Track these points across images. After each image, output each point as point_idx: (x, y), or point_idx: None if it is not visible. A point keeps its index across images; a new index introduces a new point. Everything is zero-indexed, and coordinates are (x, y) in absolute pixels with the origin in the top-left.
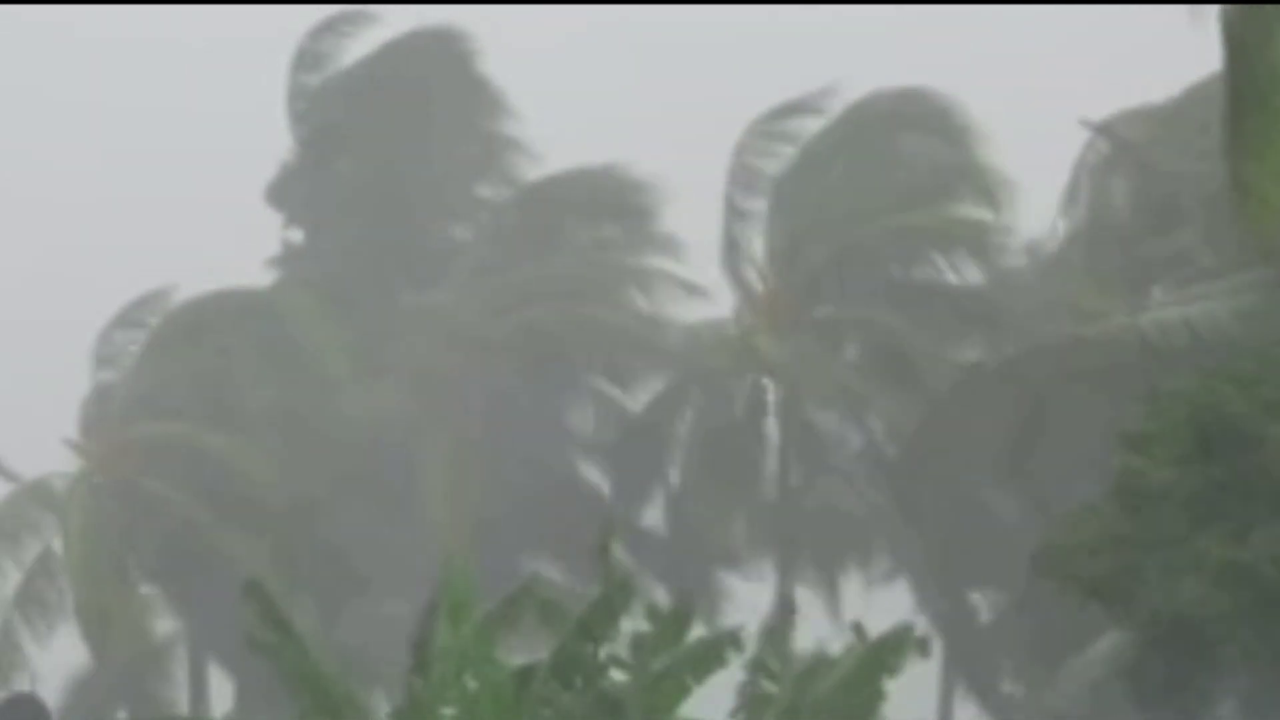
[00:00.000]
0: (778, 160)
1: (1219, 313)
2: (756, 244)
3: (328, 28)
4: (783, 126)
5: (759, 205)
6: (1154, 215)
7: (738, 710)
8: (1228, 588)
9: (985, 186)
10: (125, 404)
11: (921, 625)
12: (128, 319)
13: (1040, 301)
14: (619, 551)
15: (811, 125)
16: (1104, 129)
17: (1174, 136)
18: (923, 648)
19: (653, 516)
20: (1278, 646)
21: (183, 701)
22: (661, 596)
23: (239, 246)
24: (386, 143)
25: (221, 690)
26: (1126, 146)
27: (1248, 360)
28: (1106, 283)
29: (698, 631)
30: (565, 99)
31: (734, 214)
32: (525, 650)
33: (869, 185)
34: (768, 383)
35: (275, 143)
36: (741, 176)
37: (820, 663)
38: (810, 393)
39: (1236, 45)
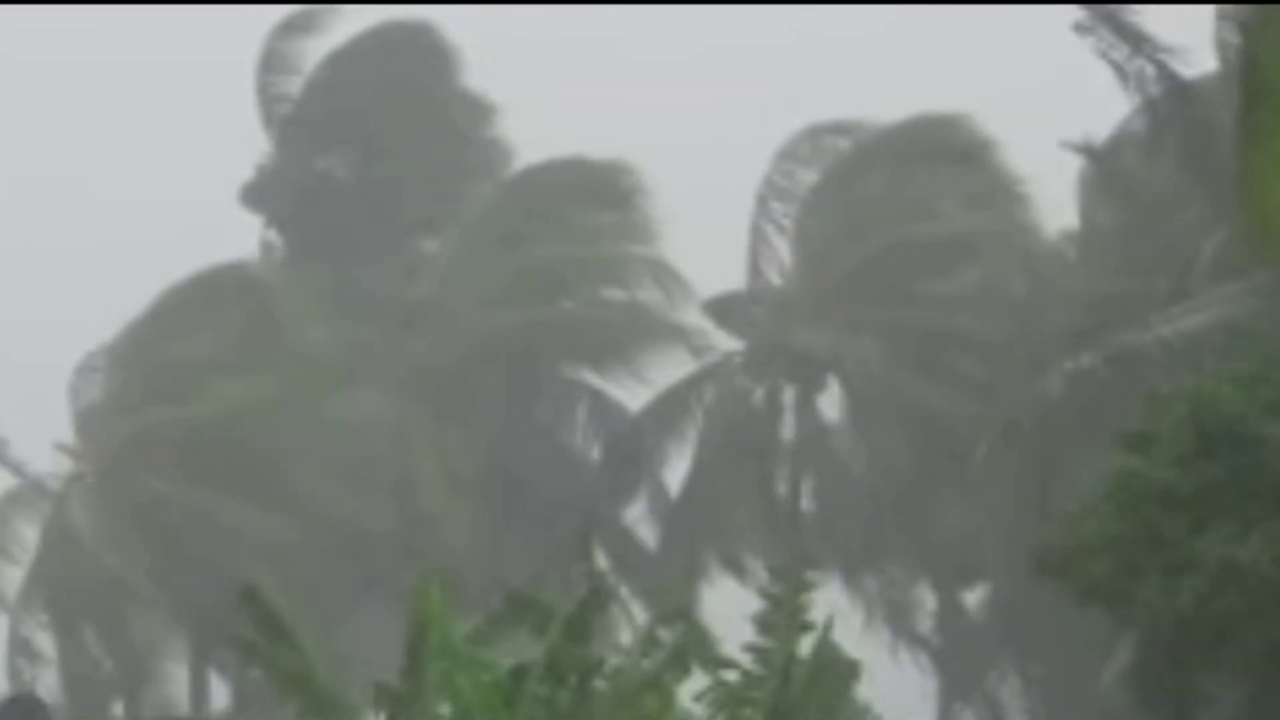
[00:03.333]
0: (816, 169)
1: (1223, 323)
2: (783, 245)
3: (290, 26)
4: (827, 140)
5: (791, 209)
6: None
7: (716, 714)
8: (1228, 588)
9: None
10: (118, 401)
11: (925, 628)
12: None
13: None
14: (602, 552)
15: (855, 141)
16: (1086, 149)
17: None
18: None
19: (649, 516)
20: (1278, 647)
21: (183, 700)
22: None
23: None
24: (366, 138)
25: (222, 690)
26: (1110, 169)
27: (1248, 360)
28: (1103, 286)
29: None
30: (546, 94)
31: (764, 215)
32: (515, 653)
33: (903, 200)
34: (784, 383)
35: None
36: (779, 179)
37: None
38: (827, 395)
39: (1250, 39)
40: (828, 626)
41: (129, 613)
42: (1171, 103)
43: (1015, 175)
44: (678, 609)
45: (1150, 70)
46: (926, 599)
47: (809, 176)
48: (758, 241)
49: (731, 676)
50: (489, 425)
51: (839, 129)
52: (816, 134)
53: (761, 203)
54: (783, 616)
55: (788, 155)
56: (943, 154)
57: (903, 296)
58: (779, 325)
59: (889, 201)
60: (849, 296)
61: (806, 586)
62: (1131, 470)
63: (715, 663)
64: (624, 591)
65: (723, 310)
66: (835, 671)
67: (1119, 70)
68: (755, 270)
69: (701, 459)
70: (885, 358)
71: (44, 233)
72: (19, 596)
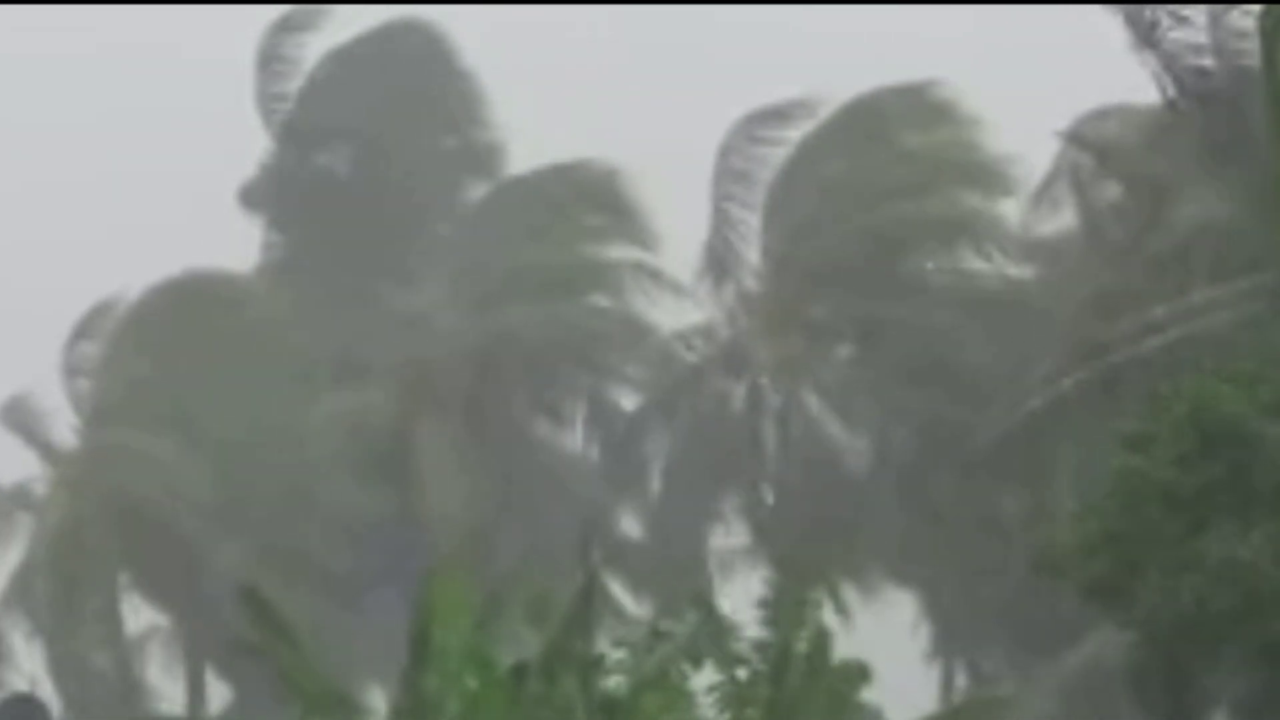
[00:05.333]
0: (767, 160)
1: (1221, 326)
2: (749, 243)
3: (286, 25)
4: (771, 128)
5: (751, 204)
6: (1142, 218)
7: (722, 711)
8: (1228, 587)
9: (989, 179)
10: (101, 405)
11: (921, 628)
12: (88, 327)
13: (1043, 305)
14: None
15: (800, 126)
16: (1078, 137)
17: (1158, 136)
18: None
19: (644, 517)
20: (1278, 646)
21: (179, 703)
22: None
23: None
24: (366, 138)
25: (220, 692)
26: (1105, 153)
27: (1248, 360)
28: (1102, 289)
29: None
30: (546, 93)
31: (722, 215)
32: (513, 647)
33: (868, 181)
34: (766, 383)
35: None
36: (729, 177)
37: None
38: (808, 393)
39: (1268, 41)
40: (819, 616)
41: (124, 615)
42: (1197, 80)
43: (982, 123)
44: (696, 599)
45: (1175, 42)
46: (925, 597)
47: (758, 169)
48: (720, 243)
49: (743, 673)
50: (486, 425)
51: (776, 114)
52: (753, 122)
53: (718, 208)
54: (782, 611)
55: (730, 151)
56: (907, 121)
57: (882, 289)
58: (752, 328)
59: (857, 185)
60: (824, 294)
61: (810, 581)
62: (1132, 469)
63: (729, 658)
64: (617, 589)
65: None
66: (839, 671)
67: (1139, 38)
68: (720, 269)
69: (682, 460)
70: (863, 356)
71: (39, 230)
72: (3, 600)
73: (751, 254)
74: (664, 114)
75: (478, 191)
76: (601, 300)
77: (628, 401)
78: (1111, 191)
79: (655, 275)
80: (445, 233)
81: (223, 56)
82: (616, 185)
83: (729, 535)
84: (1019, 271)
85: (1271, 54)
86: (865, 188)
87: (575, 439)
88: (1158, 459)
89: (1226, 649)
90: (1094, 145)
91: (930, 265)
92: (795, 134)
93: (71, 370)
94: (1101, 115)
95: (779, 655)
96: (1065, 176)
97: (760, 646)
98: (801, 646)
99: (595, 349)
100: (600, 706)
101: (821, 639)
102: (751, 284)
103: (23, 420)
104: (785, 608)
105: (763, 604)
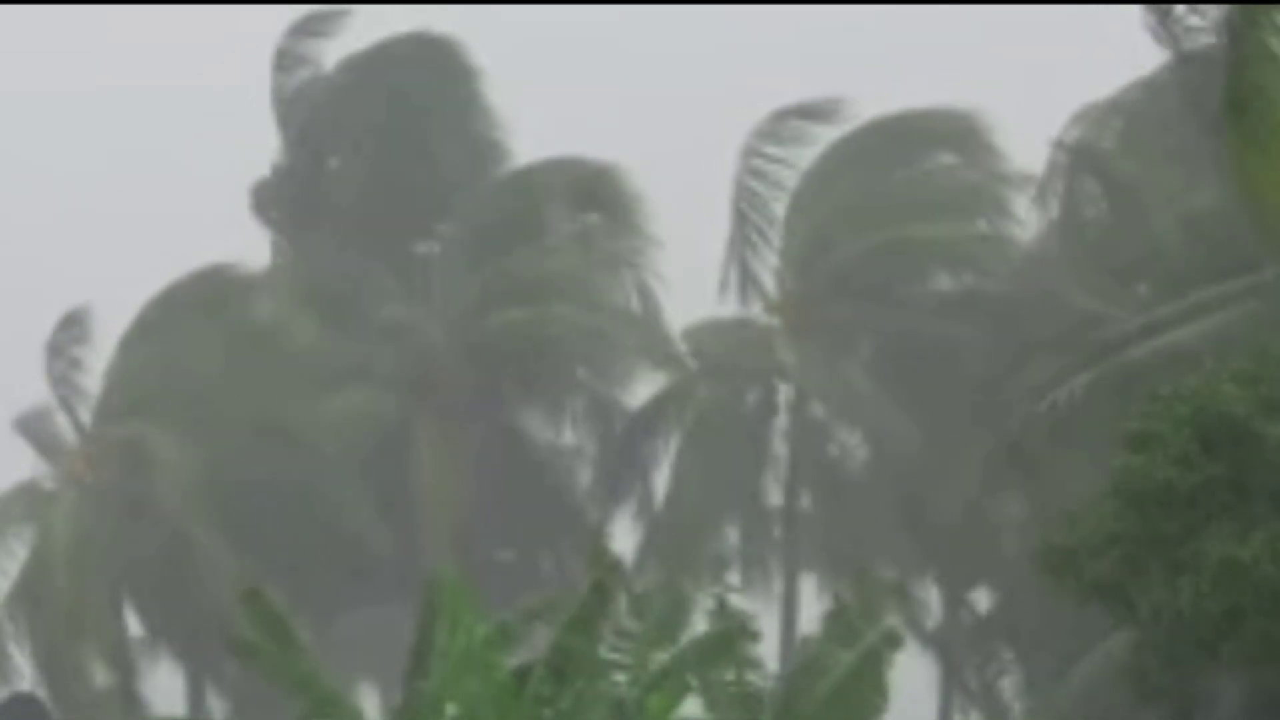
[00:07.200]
0: (789, 163)
1: (1218, 325)
2: (770, 246)
3: (304, 28)
4: (793, 130)
5: (771, 206)
6: (1127, 219)
7: (730, 709)
8: (1228, 586)
9: (1003, 206)
10: (106, 404)
11: (923, 629)
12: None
13: (1040, 305)
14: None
15: (822, 130)
16: (1067, 143)
17: (1136, 137)
18: (893, 641)
19: (644, 517)
20: (1278, 646)
21: (179, 705)
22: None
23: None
24: (376, 144)
25: (218, 694)
26: (1092, 158)
27: (1248, 359)
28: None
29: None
30: (553, 99)
31: (742, 216)
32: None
33: (891, 196)
34: (779, 384)
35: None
36: (750, 177)
37: (811, 659)
38: (821, 396)
39: (1235, 39)
40: (891, 644)
41: (126, 616)
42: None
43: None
44: (718, 601)
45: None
46: (929, 598)
47: (782, 171)
48: (741, 240)
49: (755, 677)
50: (487, 426)
51: (800, 113)
52: (782, 118)
53: (737, 209)
54: (832, 624)
55: (752, 152)
56: (934, 147)
57: (891, 300)
58: (770, 329)
59: (876, 201)
60: (837, 301)
61: (878, 596)
62: (1132, 469)
63: (741, 661)
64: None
65: (699, 339)
66: (861, 690)
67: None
68: (742, 272)
69: (688, 462)
70: (873, 363)
71: (40, 232)
72: (5, 603)
73: (770, 256)
74: (665, 114)
75: (480, 192)
76: (603, 300)
77: (629, 402)
78: (1106, 192)
79: (658, 274)
80: (448, 233)
81: (238, 54)
82: (618, 183)
83: (731, 537)
84: (1026, 279)
85: (1238, 51)
86: (884, 204)
87: (576, 440)
88: (1158, 459)
89: (1226, 649)
90: (1083, 148)
91: (945, 279)
92: (818, 132)
93: (61, 372)
94: (1094, 116)
95: (809, 665)
96: (1060, 180)
97: (802, 656)
98: (835, 663)
99: (596, 349)
100: (607, 706)
101: (871, 661)
102: (770, 285)
103: (34, 427)
104: (839, 625)
105: (828, 616)
